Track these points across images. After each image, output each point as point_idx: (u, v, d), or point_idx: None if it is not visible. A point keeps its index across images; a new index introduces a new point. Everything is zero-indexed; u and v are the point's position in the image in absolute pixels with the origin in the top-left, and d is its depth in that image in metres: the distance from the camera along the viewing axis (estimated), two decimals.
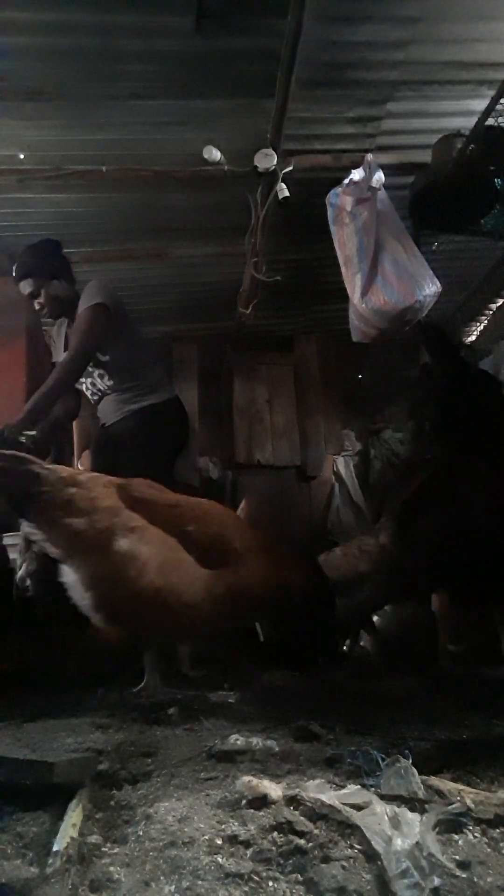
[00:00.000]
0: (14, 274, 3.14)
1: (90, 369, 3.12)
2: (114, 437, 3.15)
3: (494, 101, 2.74)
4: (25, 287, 3.13)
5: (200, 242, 3.96)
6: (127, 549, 1.72)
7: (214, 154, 3.07)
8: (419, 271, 3.19)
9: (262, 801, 0.98)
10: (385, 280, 3.15)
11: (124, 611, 1.76)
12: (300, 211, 3.40)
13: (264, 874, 0.81)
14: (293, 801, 0.98)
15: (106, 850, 0.89)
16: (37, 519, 1.76)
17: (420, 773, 1.10)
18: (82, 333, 2.98)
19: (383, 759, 1.16)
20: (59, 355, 3.29)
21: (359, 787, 1.04)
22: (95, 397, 3.26)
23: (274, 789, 1.01)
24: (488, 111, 2.79)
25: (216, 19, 2.44)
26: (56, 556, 1.79)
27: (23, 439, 2.71)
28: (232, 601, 1.84)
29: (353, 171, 3.19)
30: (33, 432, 2.75)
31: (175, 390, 3.38)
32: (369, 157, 3.19)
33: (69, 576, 1.78)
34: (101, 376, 3.15)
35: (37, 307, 3.18)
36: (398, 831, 0.87)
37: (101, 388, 3.18)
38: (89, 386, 3.23)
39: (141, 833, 0.93)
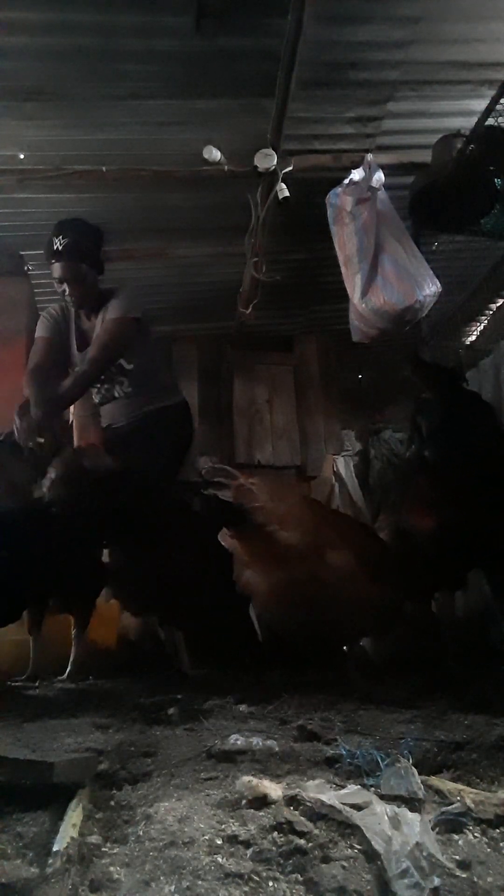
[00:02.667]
0: (58, 249, 2.95)
1: (113, 375, 3.11)
2: (126, 437, 3.13)
3: (494, 101, 2.74)
4: (67, 269, 2.97)
5: (200, 242, 3.96)
6: (331, 561, 1.91)
7: (214, 154, 3.07)
8: (419, 271, 3.19)
9: (262, 801, 0.98)
10: (385, 280, 3.15)
11: (310, 616, 1.92)
12: (300, 211, 3.39)
13: (264, 874, 0.81)
14: (293, 801, 0.98)
15: (106, 850, 0.89)
16: (251, 530, 1.86)
17: (420, 773, 1.10)
18: (110, 344, 2.94)
19: (383, 759, 1.16)
20: (69, 345, 3.21)
21: (359, 787, 1.04)
22: (104, 401, 3.24)
23: (274, 789, 1.01)
24: (488, 111, 2.78)
25: (216, 19, 2.44)
26: (246, 563, 1.93)
27: (31, 445, 2.70)
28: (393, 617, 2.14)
29: (353, 171, 3.18)
30: (42, 439, 2.73)
31: (182, 393, 3.39)
32: (369, 157, 3.19)
33: (254, 579, 1.92)
34: (120, 383, 3.14)
35: (66, 291, 3.03)
36: (398, 831, 0.87)
37: (118, 394, 3.17)
38: (103, 391, 3.21)
39: (141, 833, 0.92)
